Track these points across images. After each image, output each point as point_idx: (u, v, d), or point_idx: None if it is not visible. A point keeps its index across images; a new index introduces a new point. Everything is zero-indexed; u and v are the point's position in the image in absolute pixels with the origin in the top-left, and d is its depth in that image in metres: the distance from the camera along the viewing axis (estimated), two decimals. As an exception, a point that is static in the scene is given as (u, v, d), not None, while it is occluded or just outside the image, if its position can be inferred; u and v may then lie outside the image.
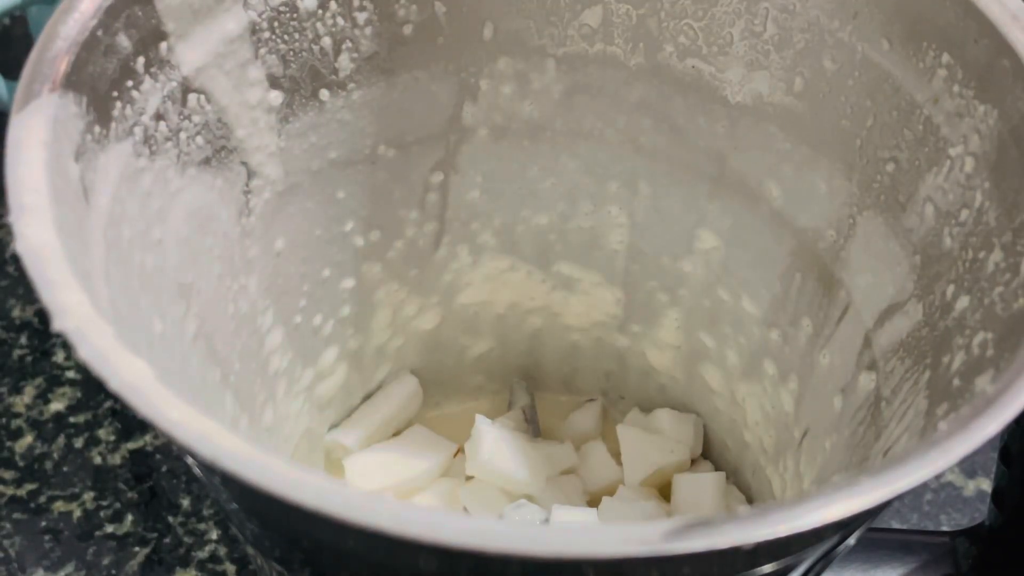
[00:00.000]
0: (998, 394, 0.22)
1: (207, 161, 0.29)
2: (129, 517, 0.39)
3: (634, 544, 0.19)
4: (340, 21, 0.31)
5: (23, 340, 0.43)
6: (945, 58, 0.28)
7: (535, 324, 0.39)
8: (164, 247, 0.28)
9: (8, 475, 0.40)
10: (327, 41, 0.31)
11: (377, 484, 0.36)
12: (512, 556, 0.19)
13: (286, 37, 0.30)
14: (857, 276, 0.32)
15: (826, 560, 0.25)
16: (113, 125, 0.26)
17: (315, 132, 0.32)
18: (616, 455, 0.38)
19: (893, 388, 0.29)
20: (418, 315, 0.38)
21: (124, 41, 0.26)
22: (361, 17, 0.31)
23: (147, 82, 0.27)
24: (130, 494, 0.39)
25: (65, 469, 0.40)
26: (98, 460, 0.40)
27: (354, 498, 0.19)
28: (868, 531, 0.25)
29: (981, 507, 0.40)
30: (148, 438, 0.41)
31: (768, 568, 0.22)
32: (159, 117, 0.28)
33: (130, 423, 0.41)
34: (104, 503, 0.39)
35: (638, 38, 0.33)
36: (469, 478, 0.37)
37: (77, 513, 0.39)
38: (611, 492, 0.37)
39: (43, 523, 0.39)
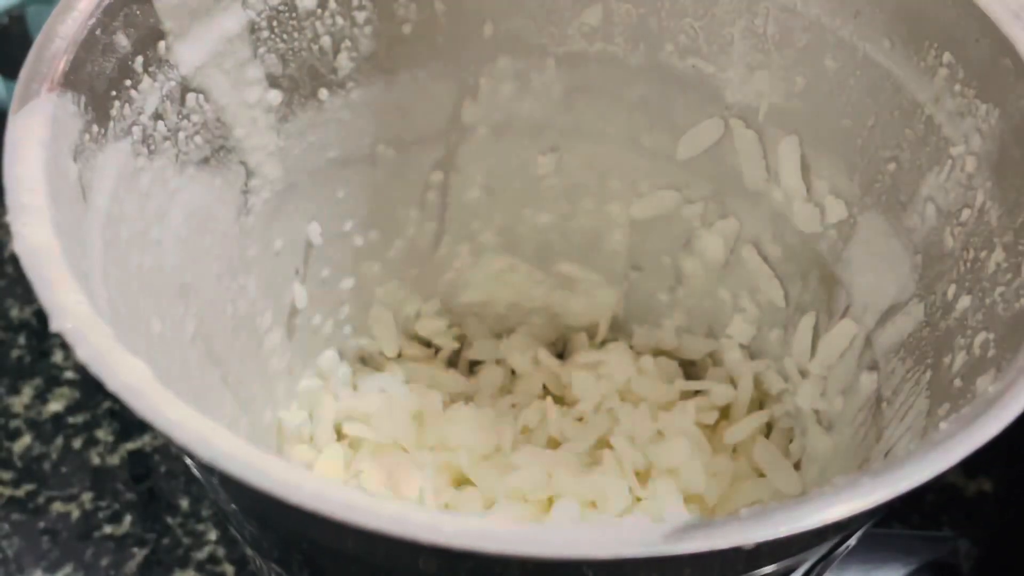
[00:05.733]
0: (999, 394, 0.22)
1: (206, 160, 0.29)
2: (128, 518, 0.39)
3: (634, 545, 0.19)
4: (339, 20, 0.31)
5: (21, 340, 0.43)
6: (946, 57, 0.28)
7: (535, 324, 0.39)
8: (163, 247, 0.28)
9: (6, 476, 0.40)
10: (326, 40, 0.31)
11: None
12: (512, 557, 0.19)
13: (285, 36, 0.30)
14: (858, 276, 0.32)
15: (827, 561, 0.25)
16: (111, 124, 0.26)
17: (314, 131, 0.32)
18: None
19: (894, 388, 0.29)
20: (419, 313, 0.38)
21: (122, 40, 0.26)
22: (360, 16, 0.31)
23: (146, 81, 0.27)
24: (128, 495, 0.39)
25: (63, 470, 0.40)
26: (96, 461, 0.40)
27: (353, 500, 0.19)
28: (869, 532, 0.25)
29: (982, 508, 0.40)
30: (147, 439, 0.41)
31: (769, 569, 0.22)
32: (158, 116, 0.28)
33: (129, 424, 0.41)
34: (102, 504, 0.39)
35: (638, 37, 0.33)
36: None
37: (75, 514, 0.39)
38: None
39: (41, 524, 0.39)
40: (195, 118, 0.29)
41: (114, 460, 0.40)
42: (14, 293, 0.44)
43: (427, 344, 0.39)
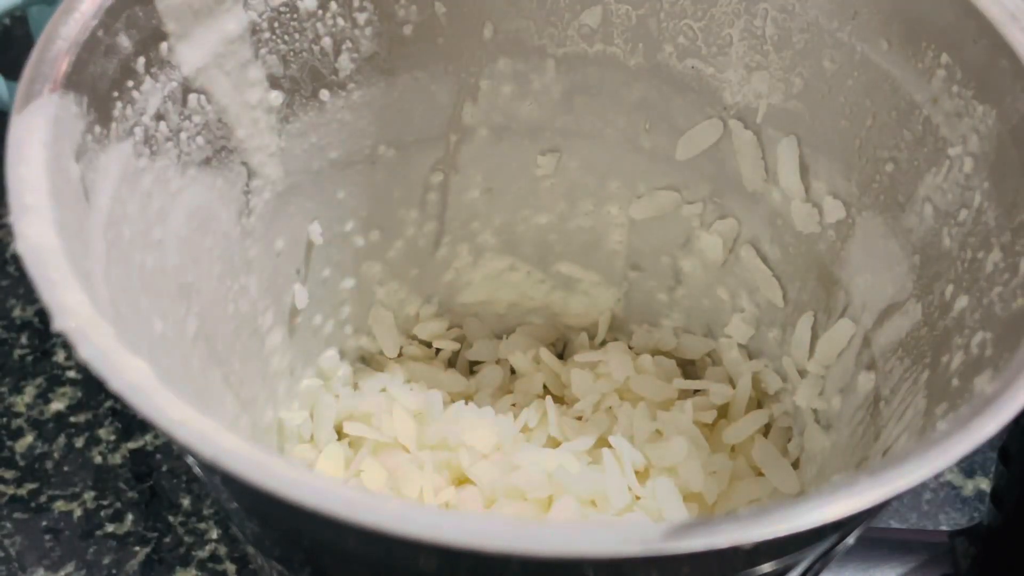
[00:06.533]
0: (997, 394, 0.22)
1: (207, 161, 0.30)
2: (129, 516, 0.39)
3: (634, 544, 0.19)
4: (340, 21, 0.31)
5: (24, 340, 0.43)
6: (944, 58, 0.28)
7: (535, 324, 0.39)
8: (164, 247, 0.28)
9: (9, 475, 0.40)
10: (327, 41, 0.31)
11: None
12: (512, 555, 0.19)
13: (286, 37, 0.30)
14: (856, 276, 0.32)
15: (825, 559, 0.25)
16: (114, 125, 0.26)
17: (315, 132, 0.32)
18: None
19: (892, 388, 0.29)
20: (418, 315, 0.38)
21: (125, 41, 0.26)
22: (361, 17, 0.31)
23: (147, 82, 0.27)
24: (130, 493, 0.39)
25: (66, 469, 0.40)
26: (99, 460, 0.40)
27: (354, 498, 0.19)
28: (867, 530, 0.25)
29: (980, 507, 0.40)
30: (148, 438, 0.41)
31: (767, 567, 0.22)
32: (159, 117, 0.28)
33: (130, 423, 0.41)
34: (104, 503, 0.39)
35: (637, 38, 0.33)
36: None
37: (78, 512, 0.39)
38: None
39: (44, 522, 0.39)
40: (197, 119, 0.29)
41: (116, 459, 0.40)
42: (16, 293, 0.44)
43: (427, 344, 0.39)
